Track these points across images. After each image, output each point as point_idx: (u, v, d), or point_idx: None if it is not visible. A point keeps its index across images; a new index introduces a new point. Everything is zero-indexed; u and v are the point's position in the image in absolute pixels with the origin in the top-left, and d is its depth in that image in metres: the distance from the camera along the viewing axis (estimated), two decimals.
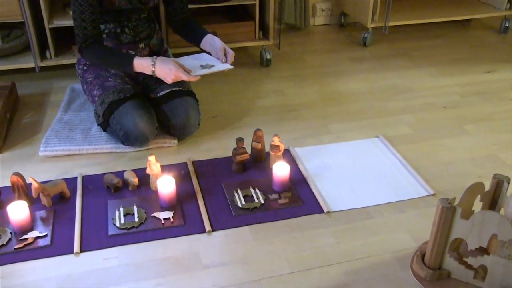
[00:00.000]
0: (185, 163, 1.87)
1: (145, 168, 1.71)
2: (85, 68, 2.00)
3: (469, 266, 1.36)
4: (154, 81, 1.99)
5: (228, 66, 1.92)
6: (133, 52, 1.99)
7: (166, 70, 1.79)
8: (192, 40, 2.09)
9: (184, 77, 1.79)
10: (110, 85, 1.90)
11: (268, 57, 2.66)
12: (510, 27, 3.13)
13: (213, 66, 1.92)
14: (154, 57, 1.82)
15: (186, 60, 1.94)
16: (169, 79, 1.81)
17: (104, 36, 1.95)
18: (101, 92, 1.90)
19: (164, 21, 2.33)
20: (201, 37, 2.03)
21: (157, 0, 1.99)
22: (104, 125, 1.92)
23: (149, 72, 1.82)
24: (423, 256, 1.42)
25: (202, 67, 1.90)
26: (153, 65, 1.80)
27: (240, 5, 2.62)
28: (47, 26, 2.29)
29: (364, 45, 2.97)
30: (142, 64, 1.82)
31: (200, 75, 1.85)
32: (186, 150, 1.96)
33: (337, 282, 1.39)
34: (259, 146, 1.85)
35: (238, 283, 1.38)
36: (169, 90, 1.95)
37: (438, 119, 2.21)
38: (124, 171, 1.77)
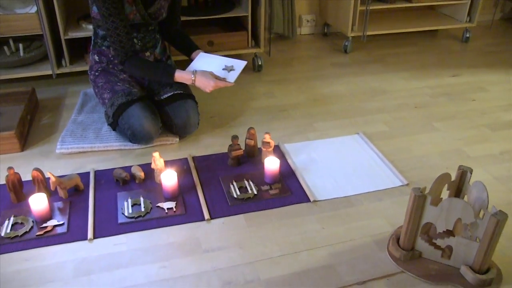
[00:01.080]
0: (186, 159, 1.86)
1: (150, 163, 1.70)
2: (97, 74, 1.98)
3: (437, 247, 1.37)
4: (157, 85, 1.98)
5: (243, 62, 1.91)
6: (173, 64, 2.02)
7: (205, 82, 1.81)
8: (182, 51, 2.10)
9: (221, 85, 1.82)
10: (119, 89, 1.89)
11: (259, 63, 2.66)
12: (470, 37, 3.15)
13: (232, 66, 1.90)
14: (194, 70, 1.83)
15: (221, 60, 1.93)
16: (207, 90, 1.82)
17: (112, 48, 1.92)
18: (111, 95, 1.89)
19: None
20: (190, 50, 2.05)
21: (165, 15, 1.97)
22: (114, 125, 1.90)
23: (189, 83, 1.84)
24: (398, 239, 1.42)
25: (224, 69, 1.89)
26: (194, 78, 1.82)
27: (235, 16, 2.62)
28: (62, 38, 2.29)
29: (345, 52, 2.97)
30: (182, 77, 1.84)
31: (234, 81, 1.85)
32: (186, 147, 1.95)
33: (323, 263, 1.39)
34: (252, 142, 1.84)
35: (234, 265, 1.38)
36: (172, 93, 1.94)
37: (410, 117, 2.21)
38: (132, 166, 1.76)
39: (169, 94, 1.94)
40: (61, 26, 2.26)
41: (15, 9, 2.28)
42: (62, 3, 2.33)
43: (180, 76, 1.84)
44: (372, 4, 2.83)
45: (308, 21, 3.25)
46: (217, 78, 1.83)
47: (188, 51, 2.06)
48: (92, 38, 1.98)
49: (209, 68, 1.88)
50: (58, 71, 2.36)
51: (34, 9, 2.23)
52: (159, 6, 1.90)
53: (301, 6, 3.18)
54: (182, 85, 1.99)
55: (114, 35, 1.79)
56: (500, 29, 3.46)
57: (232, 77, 1.87)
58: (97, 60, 1.99)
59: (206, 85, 1.81)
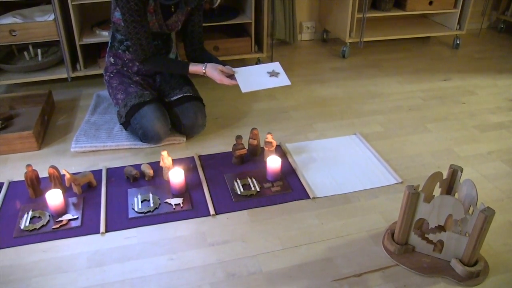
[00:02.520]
0: (193, 157, 1.85)
1: (159, 162, 1.70)
2: (111, 75, 1.97)
3: (429, 241, 1.36)
4: (168, 87, 1.98)
5: (277, 63, 1.87)
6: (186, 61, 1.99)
7: (214, 74, 1.82)
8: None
9: (226, 82, 1.81)
10: (132, 91, 1.88)
11: None
12: (460, 44, 3.14)
13: (272, 70, 1.86)
14: (206, 63, 1.85)
15: (255, 68, 1.88)
16: (218, 81, 1.83)
17: (130, 49, 1.92)
18: (124, 96, 1.88)
19: (175, 38, 2.32)
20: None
21: (180, 26, 1.97)
22: (126, 125, 1.90)
23: (201, 73, 1.86)
24: (392, 234, 1.42)
25: (269, 74, 1.86)
26: (204, 69, 1.84)
27: (239, 23, 2.61)
28: (77, 44, 2.30)
29: (343, 57, 2.96)
30: (196, 69, 1.85)
31: (250, 90, 1.79)
32: (193, 146, 1.94)
33: (321, 256, 1.38)
34: (255, 142, 1.83)
35: (237, 258, 1.37)
36: (182, 95, 1.94)
37: (404, 119, 2.20)
38: (141, 164, 1.76)
39: (179, 96, 1.94)
40: (77, 32, 2.26)
41: (34, 17, 2.28)
42: (77, 12, 2.33)
43: (194, 68, 1.86)
44: (368, 12, 2.83)
45: (308, 27, 3.24)
46: (224, 74, 1.82)
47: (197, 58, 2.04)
48: (110, 41, 1.97)
49: (254, 78, 1.83)
50: (73, 75, 2.36)
51: (52, 17, 2.23)
52: (176, 18, 1.90)
53: (302, 14, 3.17)
54: (192, 88, 1.99)
55: (135, 39, 1.78)
56: (487, 36, 3.45)
57: (284, 79, 1.83)
58: (113, 62, 1.98)
59: (215, 77, 1.82)
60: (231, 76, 1.84)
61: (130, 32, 1.77)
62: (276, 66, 1.89)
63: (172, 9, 1.87)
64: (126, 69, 1.97)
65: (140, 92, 1.88)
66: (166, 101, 1.96)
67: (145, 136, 1.84)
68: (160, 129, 1.83)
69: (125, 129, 1.93)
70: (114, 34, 1.93)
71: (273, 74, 1.84)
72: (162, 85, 2.02)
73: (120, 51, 1.94)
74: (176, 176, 1.60)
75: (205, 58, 2.03)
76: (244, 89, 1.77)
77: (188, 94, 1.95)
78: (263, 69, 1.88)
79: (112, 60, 1.98)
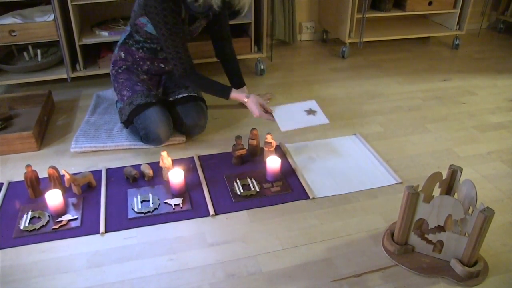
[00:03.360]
0: (192, 157, 1.85)
1: (159, 162, 1.70)
2: (119, 71, 1.95)
3: (429, 241, 1.36)
4: (173, 85, 1.98)
5: (313, 101, 1.87)
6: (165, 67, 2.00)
7: (253, 107, 1.84)
8: (227, 75, 2.15)
9: (265, 117, 1.84)
10: (139, 89, 1.87)
11: (262, 68, 2.65)
12: (460, 44, 3.14)
13: (309, 108, 1.86)
14: (248, 94, 1.87)
15: (292, 107, 1.89)
16: (254, 115, 1.85)
17: (145, 49, 1.91)
18: (130, 93, 1.87)
19: None
20: (234, 81, 2.12)
21: (199, 32, 1.97)
22: (127, 123, 1.89)
23: (240, 101, 1.89)
24: (392, 234, 1.42)
25: (306, 112, 1.85)
26: (246, 100, 1.86)
27: (239, 23, 2.60)
28: (77, 44, 2.29)
29: (342, 58, 2.96)
30: (236, 97, 1.87)
31: (290, 129, 1.82)
32: (193, 146, 1.94)
33: (321, 257, 1.38)
34: (254, 142, 1.83)
35: (237, 258, 1.37)
36: (186, 94, 1.94)
37: (404, 119, 2.20)
38: (141, 164, 1.76)
39: (184, 95, 1.94)
40: (76, 33, 2.26)
41: (34, 17, 2.28)
42: (77, 12, 2.33)
43: (235, 96, 1.87)
44: (368, 13, 2.83)
45: (308, 28, 3.24)
46: (263, 109, 1.84)
47: (232, 80, 2.12)
48: (123, 38, 1.93)
49: (292, 116, 1.84)
50: (73, 75, 2.36)
51: (51, 17, 2.23)
52: (199, 24, 1.90)
53: (302, 14, 3.17)
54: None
55: (174, 53, 1.76)
56: (487, 37, 3.45)
57: (322, 117, 1.83)
58: (123, 57, 1.95)
59: (254, 110, 1.83)
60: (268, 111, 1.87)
61: (168, 46, 1.75)
62: (312, 104, 1.90)
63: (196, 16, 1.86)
64: (136, 67, 1.95)
65: (146, 92, 1.87)
66: (170, 100, 1.96)
67: (147, 138, 1.84)
68: (163, 132, 1.83)
69: (126, 128, 1.93)
70: (132, 33, 1.90)
71: (311, 112, 1.85)
72: (167, 82, 2.02)
73: (133, 48, 1.91)
74: (176, 176, 1.60)
75: (229, 67, 2.11)
76: (283, 128, 1.79)
77: (193, 94, 1.95)
78: (300, 107, 1.90)
79: (122, 55, 1.94)
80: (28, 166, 1.56)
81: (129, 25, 1.89)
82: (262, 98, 2.27)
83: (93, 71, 2.38)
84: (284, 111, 1.86)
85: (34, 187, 1.60)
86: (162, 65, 1.98)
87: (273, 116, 1.84)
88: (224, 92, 1.87)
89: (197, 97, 1.96)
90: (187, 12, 1.80)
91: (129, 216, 1.52)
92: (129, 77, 1.92)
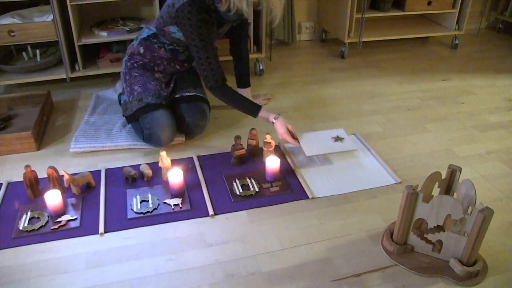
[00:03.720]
0: (192, 158, 1.85)
1: (158, 162, 1.70)
2: (135, 65, 1.93)
3: (428, 241, 1.36)
4: (182, 82, 1.98)
5: (341, 129, 1.85)
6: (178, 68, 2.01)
7: (280, 129, 1.79)
8: (236, 74, 2.18)
9: (290, 141, 1.79)
10: (151, 88, 1.87)
11: (261, 68, 2.65)
12: (459, 44, 3.15)
13: (337, 135, 1.84)
14: (278, 115, 1.81)
15: (320, 134, 1.87)
16: (280, 135, 1.79)
17: (167, 49, 1.89)
18: (142, 90, 1.86)
19: None
20: (241, 83, 2.18)
21: (224, 33, 1.98)
22: (131, 119, 1.88)
23: (268, 121, 1.82)
24: (391, 234, 1.42)
25: (334, 139, 1.83)
26: (274, 120, 1.80)
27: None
28: (76, 44, 2.29)
29: (342, 58, 2.96)
30: (265, 116, 1.82)
31: (316, 154, 1.78)
32: (192, 146, 1.94)
33: (320, 257, 1.38)
34: (254, 142, 1.83)
35: (237, 258, 1.37)
36: (193, 93, 1.95)
37: (403, 119, 2.20)
38: (140, 164, 1.76)
39: (191, 94, 1.94)
40: (75, 33, 2.26)
41: (33, 18, 2.28)
42: (76, 12, 2.33)
43: (263, 115, 1.82)
44: (367, 12, 2.83)
45: (307, 28, 3.24)
46: (290, 132, 1.81)
47: (240, 80, 2.16)
48: (145, 33, 1.90)
49: (319, 143, 1.82)
50: (72, 75, 2.36)
51: (50, 17, 2.23)
52: (226, 27, 1.90)
53: (301, 14, 3.17)
54: (203, 91, 2.00)
55: (206, 64, 1.75)
56: (486, 37, 3.45)
57: (350, 144, 1.82)
58: (141, 53, 1.92)
59: (281, 132, 1.79)
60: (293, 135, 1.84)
61: (200, 57, 1.74)
62: (340, 132, 1.89)
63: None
64: (153, 65, 1.94)
65: (158, 92, 1.86)
66: (176, 96, 1.95)
67: (150, 138, 1.83)
68: (167, 137, 1.83)
69: (128, 123, 1.91)
70: (157, 35, 1.87)
71: (338, 139, 1.84)
72: (177, 80, 2.02)
73: (155, 46, 1.89)
74: (175, 176, 1.60)
75: (238, 66, 2.14)
76: (309, 152, 1.76)
77: (199, 95, 1.96)
78: (328, 134, 1.88)
79: (141, 50, 1.91)
80: (27, 166, 1.56)
81: (155, 26, 1.87)
82: (262, 98, 2.28)
83: (92, 71, 2.38)
84: (310, 138, 1.84)
85: (33, 187, 1.60)
86: (178, 67, 1.99)
87: (299, 142, 1.80)
88: (253, 110, 1.82)
89: (203, 98, 1.96)
90: (217, 18, 1.79)
91: (129, 216, 1.52)
92: (143, 73, 1.91)
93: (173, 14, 1.72)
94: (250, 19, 2.48)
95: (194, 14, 1.66)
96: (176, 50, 1.91)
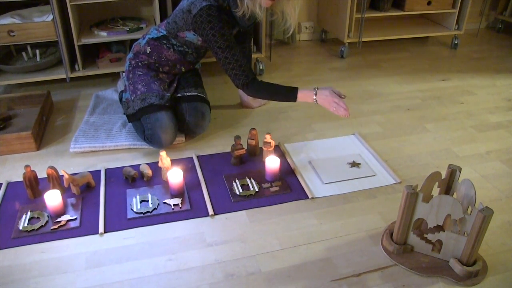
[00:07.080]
0: (191, 158, 1.85)
1: (158, 162, 1.70)
2: (140, 64, 1.93)
3: (428, 241, 1.36)
4: (184, 82, 1.99)
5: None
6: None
7: (326, 98, 1.72)
8: None
9: (342, 104, 1.70)
10: (155, 88, 1.86)
11: (261, 67, 2.65)
12: (458, 44, 3.15)
13: (353, 160, 1.82)
14: (316, 87, 1.75)
15: (336, 160, 1.84)
16: (331, 108, 1.71)
17: (176, 50, 1.89)
18: (145, 90, 1.85)
19: None
20: None
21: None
22: (132, 118, 1.88)
23: (310, 101, 1.75)
24: (391, 234, 1.42)
25: (350, 165, 1.80)
26: (315, 94, 1.74)
27: None
28: (76, 44, 2.28)
29: (341, 57, 2.96)
30: (305, 95, 1.75)
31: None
32: (192, 146, 1.94)
33: (320, 257, 1.38)
34: (253, 142, 1.83)
35: (236, 258, 1.37)
36: (195, 94, 1.95)
37: (403, 119, 2.20)
38: (140, 164, 1.76)
39: (193, 94, 1.94)
40: (75, 33, 2.26)
41: (33, 18, 2.28)
42: (76, 12, 2.32)
43: (302, 95, 1.76)
44: (367, 12, 2.83)
45: (306, 28, 3.24)
46: (336, 94, 1.72)
47: None
48: (155, 34, 1.90)
49: (336, 169, 1.77)
50: (72, 75, 2.36)
51: (50, 17, 2.23)
52: (236, 30, 1.90)
53: (300, 14, 3.17)
54: (204, 91, 2.01)
55: (234, 62, 1.74)
56: (485, 37, 3.45)
57: (367, 171, 1.76)
58: (147, 53, 1.91)
59: (329, 101, 1.71)
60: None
61: (227, 57, 1.73)
62: (356, 156, 1.84)
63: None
64: (158, 65, 1.94)
65: (161, 93, 1.86)
66: (178, 95, 1.95)
67: (151, 139, 1.83)
68: (168, 139, 1.83)
69: (129, 121, 1.91)
70: (168, 37, 1.87)
71: (354, 165, 1.79)
72: (180, 79, 2.02)
73: (164, 46, 1.89)
74: (175, 176, 1.60)
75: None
76: (326, 180, 1.71)
77: (201, 95, 1.96)
78: (343, 160, 1.83)
79: (148, 50, 1.91)
80: (27, 166, 1.56)
81: (165, 29, 1.87)
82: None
83: (92, 71, 2.38)
84: (327, 164, 1.80)
85: (33, 187, 1.59)
86: (183, 69, 1.99)
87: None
88: (291, 93, 1.77)
89: (203, 98, 1.96)
90: (231, 22, 1.80)
91: (128, 216, 1.52)
92: (147, 72, 1.91)
93: (190, 20, 1.72)
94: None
95: (215, 17, 1.68)
96: (186, 52, 1.91)
